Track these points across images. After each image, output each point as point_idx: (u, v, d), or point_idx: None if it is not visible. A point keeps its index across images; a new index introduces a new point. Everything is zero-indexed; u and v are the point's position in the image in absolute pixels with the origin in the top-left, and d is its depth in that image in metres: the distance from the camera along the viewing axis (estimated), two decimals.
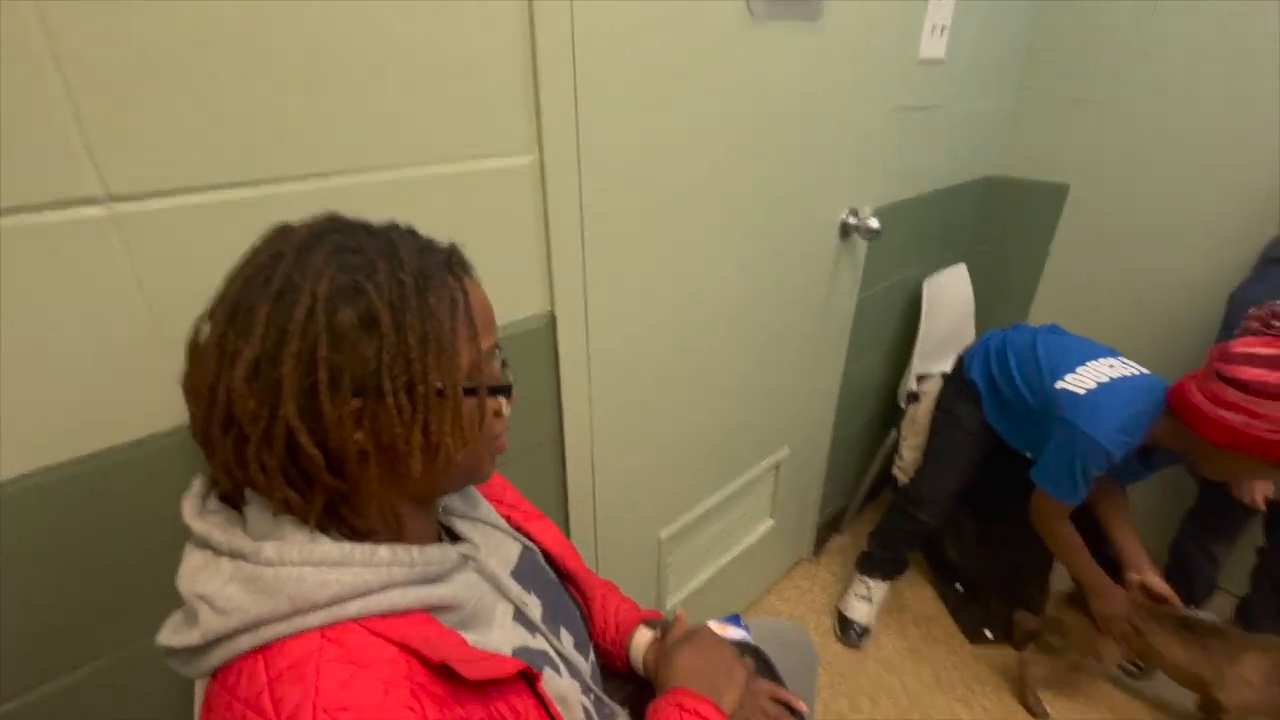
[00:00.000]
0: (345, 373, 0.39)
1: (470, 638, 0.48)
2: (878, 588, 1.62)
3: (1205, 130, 1.47)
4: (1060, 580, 1.54)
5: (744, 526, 1.49)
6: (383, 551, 0.43)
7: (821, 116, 1.10)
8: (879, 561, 1.61)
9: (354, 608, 0.41)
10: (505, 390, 0.49)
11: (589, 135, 0.76)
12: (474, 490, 0.63)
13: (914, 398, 1.61)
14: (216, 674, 0.41)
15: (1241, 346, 0.97)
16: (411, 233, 0.46)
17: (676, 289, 1.00)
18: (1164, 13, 1.45)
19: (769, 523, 1.56)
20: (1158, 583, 1.22)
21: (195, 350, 0.41)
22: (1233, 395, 0.95)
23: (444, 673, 0.41)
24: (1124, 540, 1.27)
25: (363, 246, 0.41)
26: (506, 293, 0.77)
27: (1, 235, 0.45)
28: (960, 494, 1.47)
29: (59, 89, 0.44)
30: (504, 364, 0.51)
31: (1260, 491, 1.28)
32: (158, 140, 0.49)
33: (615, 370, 0.95)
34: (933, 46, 1.28)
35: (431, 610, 0.46)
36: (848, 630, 1.57)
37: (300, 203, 0.57)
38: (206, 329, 0.41)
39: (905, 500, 1.52)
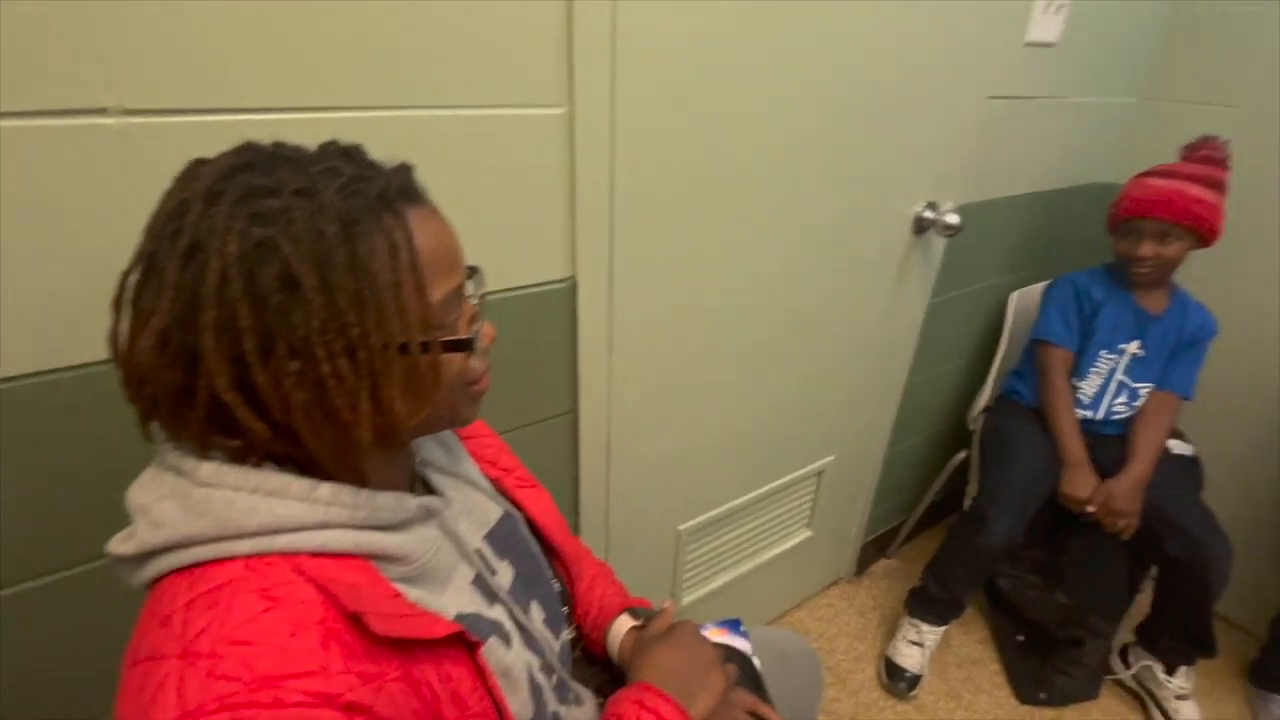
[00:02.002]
0: (277, 339, 0.36)
1: (414, 594, 0.45)
2: (931, 632, 1.43)
3: None
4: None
5: (776, 533, 1.41)
6: (324, 489, 0.42)
7: (902, 96, 1.00)
8: (934, 601, 1.41)
9: (282, 541, 0.40)
10: (464, 345, 0.44)
11: (627, 91, 0.72)
12: (460, 447, 0.61)
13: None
14: (151, 588, 0.40)
15: None
16: (347, 156, 0.41)
17: (718, 268, 0.94)
18: None
19: (805, 534, 1.47)
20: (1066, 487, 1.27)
21: (118, 308, 0.38)
22: None
23: (361, 624, 0.39)
24: (1134, 433, 1.31)
25: (279, 187, 0.36)
26: (523, 253, 0.74)
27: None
28: (1034, 508, 1.29)
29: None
30: (481, 299, 0.47)
31: None
32: (170, 59, 0.49)
33: (641, 348, 0.91)
34: (1045, 27, 1.14)
35: (373, 558, 0.44)
36: (896, 678, 1.40)
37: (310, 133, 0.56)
38: (132, 281, 0.38)
39: (967, 521, 1.34)
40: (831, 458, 1.38)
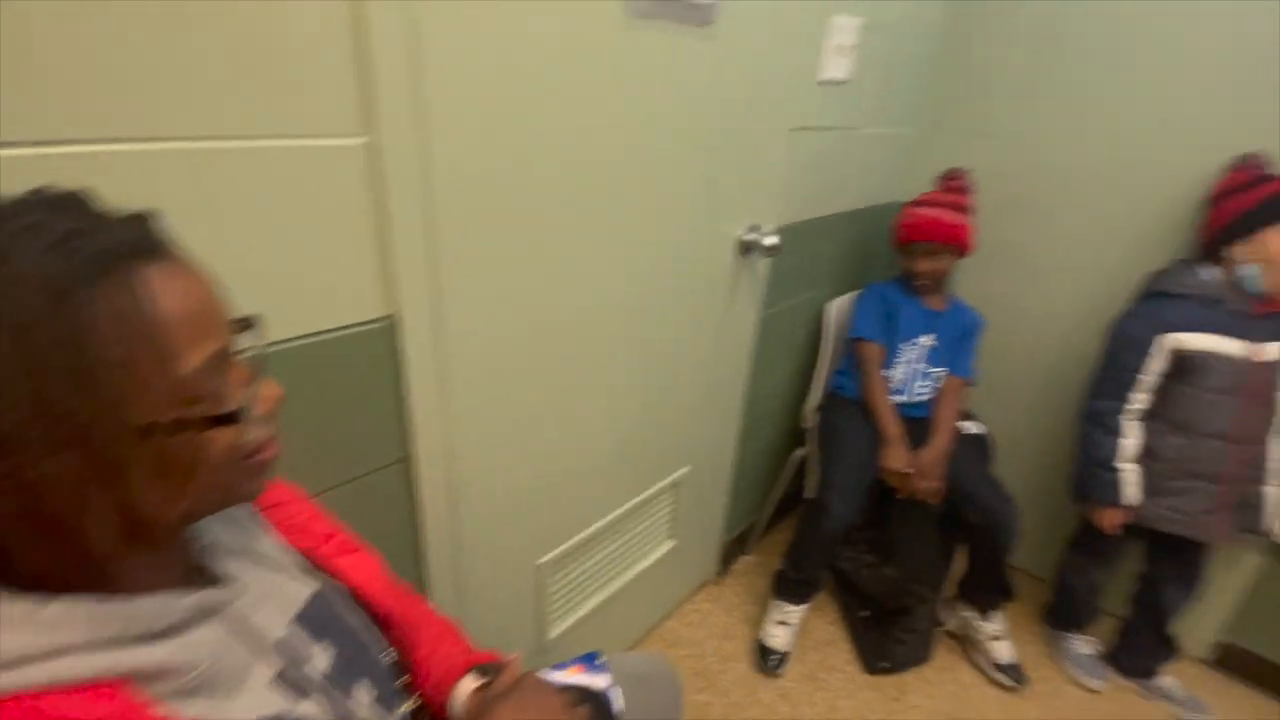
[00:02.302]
0: None
1: (193, 709, 0.39)
2: (794, 611, 1.57)
3: (1092, 168, 1.53)
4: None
5: (641, 549, 1.42)
6: (53, 609, 0.34)
7: (716, 129, 1.06)
8: (794, 583, 1.56)
9: (3, 681, 0.32)
10: (230, 417, 0.38)
11: (441, 120, 0.69)
12: (255, 521, 0.54)
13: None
14: None
15: None
16: (59, 207, 0.34)
17: (555, 294, 0.93)
18: (1058, 55, 1.51)
19: (669, 544, 1.50)
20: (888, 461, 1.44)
21: None
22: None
23: None
24: (934, 414, 1.51)
25: None
26: (328, 294, 0.68)
27: None
28: (865, 491, 1.45)
29: None
30: (260, 355, 0.42)
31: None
32: None
33: (480, 382, 0.88)
34: (834, 68, 1.27)
35: (133, 678, 0.37)
36: (767, 659, 1.52)
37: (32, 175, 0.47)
38: None
39: (811, 510, 1.48)
40: (686, 468, 1.42)
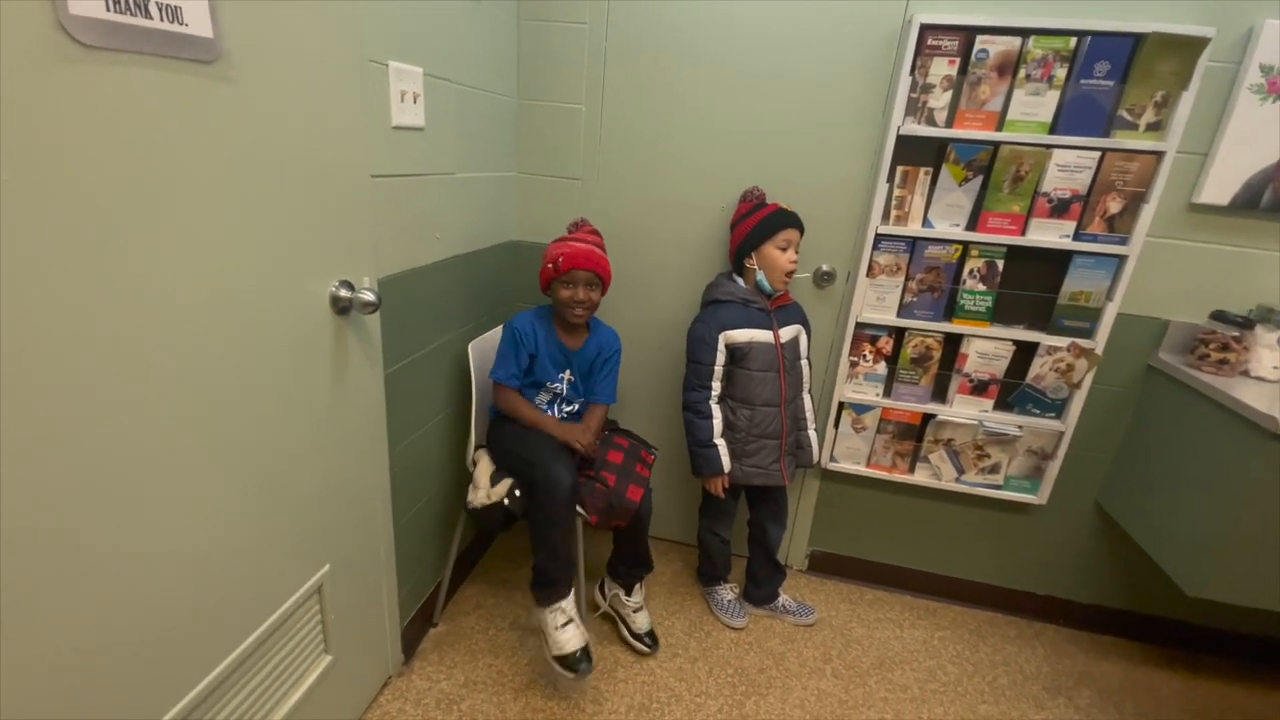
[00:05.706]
0: None
1: None
2: (570, 604, 1.46)
3: (673, 197, 1.84)
4: None
5: (285, 681, 1.16)
6: None
7: (272, 181, 0.92)
8: (556, 578, 1.45)
9: None
10: None
11: None
12: None
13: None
14: None
15: None
16: None
17: (114, 423, 0.67)
18: (618, 115, 1.78)
19: (325, 661, 1.27)
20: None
21: None
22: None
23: None
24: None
25: None
26: None
27: None
28: (570, 451, 1.50)
29: None
30: None
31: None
32: None
33: None
34: (407, 114, 1.25)
35: None
36: (576, 665, 1.41)
37: None
38: None
39: (539, 491, 1.42)
40: (327, 567, 1.22)
